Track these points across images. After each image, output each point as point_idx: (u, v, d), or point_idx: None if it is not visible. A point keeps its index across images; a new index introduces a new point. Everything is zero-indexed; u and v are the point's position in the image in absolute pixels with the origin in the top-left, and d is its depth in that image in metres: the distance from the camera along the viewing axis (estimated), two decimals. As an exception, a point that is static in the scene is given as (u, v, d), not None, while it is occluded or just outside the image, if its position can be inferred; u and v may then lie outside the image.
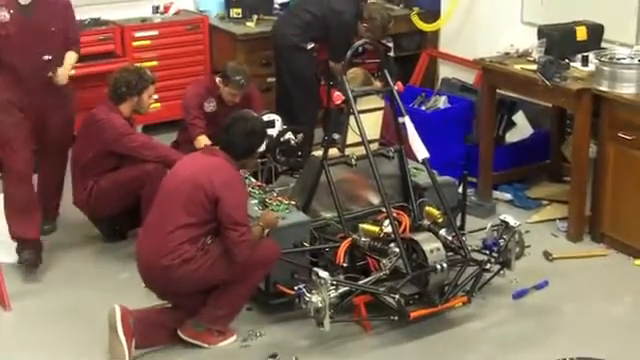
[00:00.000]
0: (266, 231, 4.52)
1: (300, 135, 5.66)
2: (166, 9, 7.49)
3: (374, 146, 5.08)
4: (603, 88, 5.39)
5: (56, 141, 5.45)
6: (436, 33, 7.56)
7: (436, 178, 5.04)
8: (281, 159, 5.60)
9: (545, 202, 6.19)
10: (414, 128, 4.99)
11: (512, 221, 4.90)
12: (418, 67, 7.59)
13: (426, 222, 4.90)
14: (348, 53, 4.97)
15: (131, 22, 7.24)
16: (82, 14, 6.84)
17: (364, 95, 5.06)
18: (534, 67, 5.69)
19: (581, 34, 5.87)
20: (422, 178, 5.16)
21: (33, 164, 5.32)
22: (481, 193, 6.18)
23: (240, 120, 4.54)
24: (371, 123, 5.03)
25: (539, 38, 5.89)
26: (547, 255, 5.45)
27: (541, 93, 5.73)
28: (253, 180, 5.27)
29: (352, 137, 4.94)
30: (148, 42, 7.19)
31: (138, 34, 7.16)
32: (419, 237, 4.66)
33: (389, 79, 5.04)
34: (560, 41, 5.81)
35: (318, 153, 5.04)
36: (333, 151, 5.02)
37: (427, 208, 4.98)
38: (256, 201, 4.94)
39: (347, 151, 5.01)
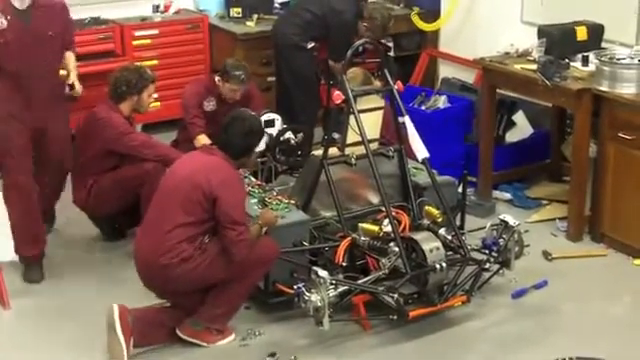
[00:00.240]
0: (264, 229, 4.52)
1: (300, 134, 5.66)
2: (166, 8, 7.49)
3: (374, 145, 5.08)
4: (603, 88, 5.39)
5: (56, 155, 5.27)
6: (436, 33, 7.57)
7: (436, 178, 5.03)
8: (281, 158, 5.60)
9: (545, 202, 6.19)
10: (414, 128, 4.99)
11: (512, 221, 4.90)
12: (418, 67, 7.59)
13: (426, 221, 4.90)
14: (348, 53, 4.97)
15: (131, 21, 7.23)
16: (82, 13, 6.86)
17: (364, 94, 5.06)
18: (534, 67, 5.69)
19: (581, 34, 5.87)
20: (422, 178, 5.16)
21: (32, 175, 5.15)
22: (481, 193, 6.18)
23: (238, 119, 4.54)
24: (371, 123, 5.03)
25: (539, 38, 5.88)
26: (546, 255, 5.45)
27: (541, 93, 5.73)
28: (253, 179, 5.27)
29: (352, 136, 4.94)
30: (148, 41, 7.19)
31: (138, 33, 7.16)
32: (418, 236, 4.66)
33: (389, 79, 5.04)
34: (560, 41, 5.81)
35: (318, 152, 5.04)
36: (333, 150, 5.02)
37: (427, 207, 4.98)
38: (256, 200, 4.94)
39: (347, 150, 5.00)
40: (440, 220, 4.89)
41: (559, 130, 6.45)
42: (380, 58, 5.34)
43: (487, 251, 4.89)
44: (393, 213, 4.77)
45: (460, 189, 5.37)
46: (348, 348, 4.53)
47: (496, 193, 6.26)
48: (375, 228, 4.75)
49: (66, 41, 5.24)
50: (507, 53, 6.07)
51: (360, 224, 4.80)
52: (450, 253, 4.74)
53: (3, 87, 5.00)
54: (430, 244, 4.60)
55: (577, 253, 5.50)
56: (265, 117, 5.57)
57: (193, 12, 7.64)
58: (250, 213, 4.64)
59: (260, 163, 5.54)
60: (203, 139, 5.68)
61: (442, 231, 4.81)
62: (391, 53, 7.34)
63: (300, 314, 4.52)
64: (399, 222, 4.82)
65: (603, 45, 5.89)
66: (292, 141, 5.62)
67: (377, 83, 5.45)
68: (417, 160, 5.06)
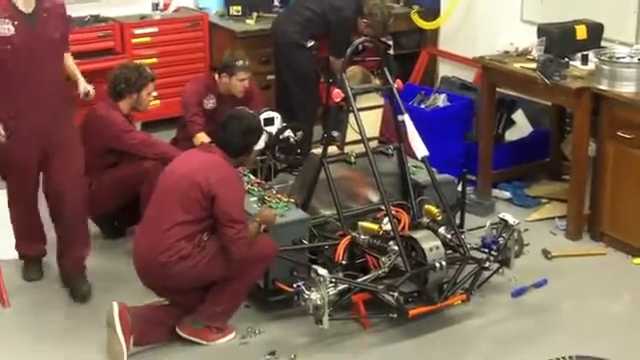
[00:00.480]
0: (262, 227, 4.51)
1: (299, 133, 5.66)
2: (166, 6, 7.49)
3: (373, 144, 5.08)
4: (603, 87, 5.39)
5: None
6: (436, 31, 7.56)
7: (435, 176, 5.03)
8: (280, 156, 5.60)
9: (544, 200, 6.19)
10: (413, 126, 4.99)
11: (511, 219, 4.89)
12: (418, 65, 7.59)
13: (425, 220, 4.90)
14: (348, 51, 4.97)
15: (131, 19, 7.23)
16: (82, 11, 6.86)
17: (364, 93, 5.05)
18: (534, 65, 5.69)
19: (581, 33, 5.87)
20: (421, 176, 5.16)
21: (37, 191, 4.96)
22: (480, 191, 6.18)
23: (236, 118, 4.54)
24: (370, 121, 5.03)
25: (539, 36, 5.88)
26: (546, 253, 5.45)
27: (541, 92, 5.73)
28: (252, 177, 5.27)
29: (351, 135, 4.94)
30: (147, 39, 7.19)
31: (138, 31, 7.16)
32: (418, 235, 4.66)
33: (389, 77, 5.04)
34: (560, 40, 5.80)
35: (317, 151, 5.04)
36: (332, 149, 5.02)
37: (426, 206, 4.98)
38: (255, 198, 4.94)
39: (346, 149, 5.00)
40: (440, 219, 4.90)
41: (558, 129, 6.45)
42: (380, 56, 5.34)
43: (487, 250, 4.89)
44: (393, 211, 4.77)
45: (460, 188, 5.37)
46: (348, 347, 4.53)
47: (495, 192, 6.27)
48: (375, 227, 4.75)
49: (65, 42, 5.02)
50: (507, 52, 6.07)
51: (360, 222, 4.80)
52: (450, 252, 4.75)
53: (9, 98, 4.71)
54: (430, 243, 4.60)
55: (576, 252, 5.50)
56: (264, 115, 5.57)
57: (193, 10, 7.64)
58: (249, 211, 4.64)
59: (259, 161, 5.54)
60: (202, 137, 5.67)
61: (442, 230, 4.81)
62: (391, 51, 7.34)
63: (300, 312, 4.52)
64: (399, 221, 4.82)
65: (603, 44, 5.89)
66: (291, 139, 5.61)
67: (377, 81, 5.44)
68: (417, 158, 5.06)
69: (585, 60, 5.71)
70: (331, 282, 4.34)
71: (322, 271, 4.31)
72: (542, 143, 6.54)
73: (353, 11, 6.53)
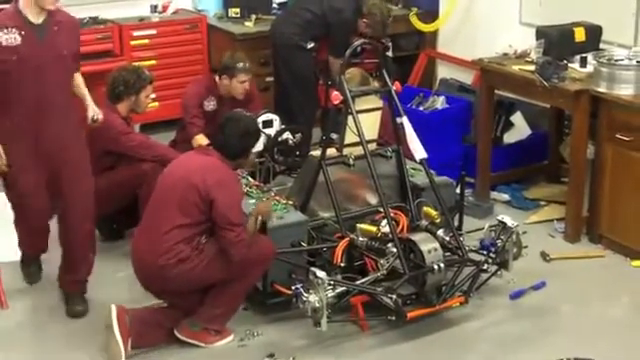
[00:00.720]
0: (259, 221, 4.50)
1: (298, 135, 5.65)
2: (164, 8, 7.49)
3: (372, 146, 5.08)
4: (601, 89, 5.39)
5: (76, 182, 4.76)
6: (434, 33, 7.56)
7: (434, 178, 5.03)
8: (279, 159, 5.60)
9: (543, 203, 6.19)
10: (412, 128, 4.99)
11: (510, 222, 4.90)
12: (416, 67, 7.59)
13: (424, 222, 4.90)
14: (347, 52, 4.97)
15: (129, 21, 7.24)
16: (80, 13, 6.83)
17: (362, 95, 5.05)
18: (532, 68, 5.69)
19: (579, 35, 5.87)
20: (420, 178, 5.16)
21: (48, 215, 4.84)
22: (479, 193, 6.18)
23: (233, 120, 4.54)
24: (369, 123, 5.03)
25: (537, 39, 5.88)
26: (544, 256, 5.45)
27: (539, 94, 5.74)
28: (251, 180, 5.27)
29: (350, 137, 4.94)
30: (146, 41, 7.19)
31: (136, 33, 7.16)
32: (417, 237, 4.65)
33: (387, 79, 5.04)
34: (558, 42, 5.81)
35: (316, 153, 5.04)
36: (331, 151, 5.02)
37: (425, 208, 4.98)
38: (254, 201, 4.93)
39: (345, 151, 5.01)
40: (438, 221, 4.89)
41: (557, 131, 6.45)
42: (378, 58, 5.34)
43: (485, 252, 4.89)
44: (391, 214, 4.76)
45: (458, 190, 5.37)
46: (346, 349, 4.53)
47: (494, 194, 6.27)
48: (373, 229, 4.75)
49: (76, 62, 4.81)
50: (505, 54, 6.08)
51: (358, 225, 4.80)
52: (448, 254, 4.75)
53: (13, 117, 4.56)
54: (428, 245, 4.60)
55: (575, 254, 5.50)
56: (263, 117, 5.57)
57: (191, 12, 7.64)
58: (245, 212, 4.62)
59: (258, 163, 5.54)
60: (201, 139, 5.67)
61: (440, 232, 4.81)
62: (389, 53, 7.34)
63: (298, 315, 4.52)
64: (397, 223, 4.82)
65: (601, 46, 5.90)
66: (290, 141, 5.61)
67: (375, 84, 5.45)
68: (415, 161, 5.06)
69: (584, 62, 5.71)
70: (329, 284, 4.34)
71: (320, 273, 4.31)
72: (540, 145, 6.54)
73: (353, 12, 6.55)
